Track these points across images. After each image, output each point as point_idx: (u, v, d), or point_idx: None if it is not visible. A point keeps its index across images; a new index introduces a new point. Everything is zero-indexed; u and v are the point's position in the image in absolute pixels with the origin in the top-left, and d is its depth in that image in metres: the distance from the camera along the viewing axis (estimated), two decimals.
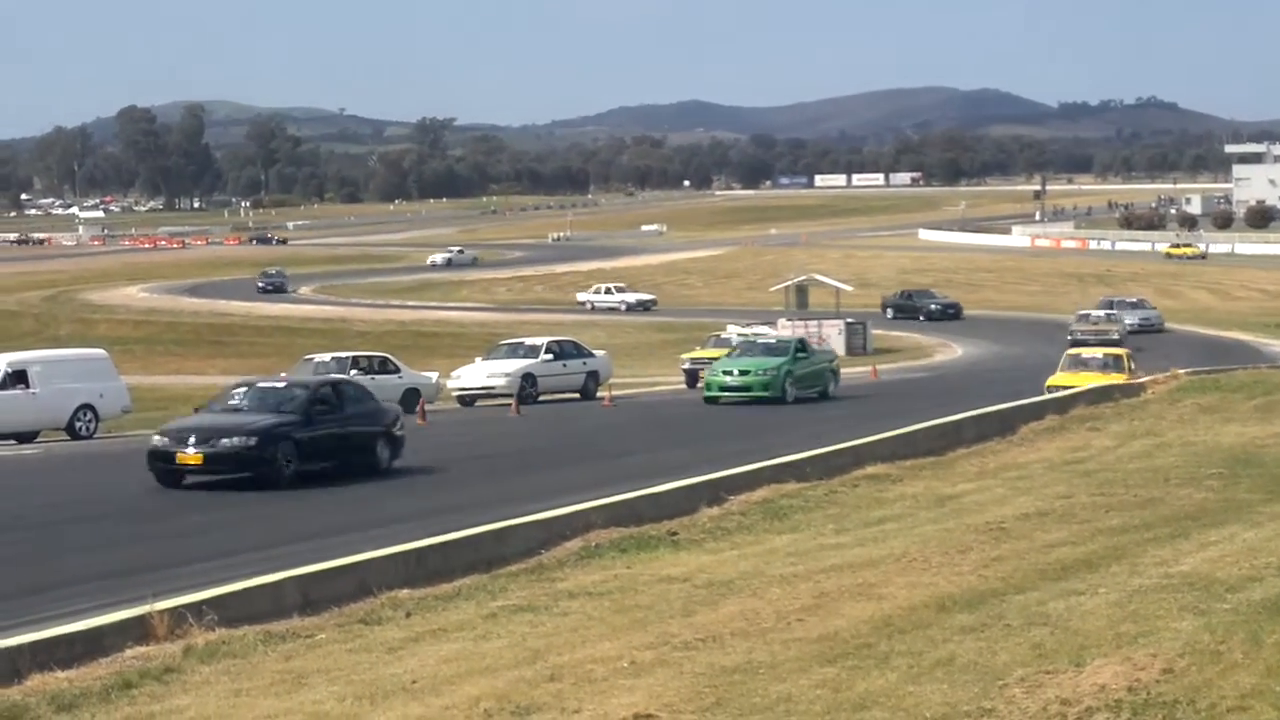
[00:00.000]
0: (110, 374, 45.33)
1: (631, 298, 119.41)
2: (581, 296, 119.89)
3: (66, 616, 16.68)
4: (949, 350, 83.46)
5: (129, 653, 15.50)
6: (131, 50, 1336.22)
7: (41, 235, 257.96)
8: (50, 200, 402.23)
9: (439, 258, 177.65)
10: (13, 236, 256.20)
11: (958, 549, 20.18)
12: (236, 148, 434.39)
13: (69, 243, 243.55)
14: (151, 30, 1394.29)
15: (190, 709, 13.61)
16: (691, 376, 60.54)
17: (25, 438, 42.81)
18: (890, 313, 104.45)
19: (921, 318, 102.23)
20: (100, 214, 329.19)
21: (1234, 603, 15.96)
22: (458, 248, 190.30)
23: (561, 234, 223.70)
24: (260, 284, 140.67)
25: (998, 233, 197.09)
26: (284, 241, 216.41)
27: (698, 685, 13.63)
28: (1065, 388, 43.11)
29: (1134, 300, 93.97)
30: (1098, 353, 50.65)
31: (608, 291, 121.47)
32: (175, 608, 16.33)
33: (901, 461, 30.36)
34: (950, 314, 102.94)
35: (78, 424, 43.16)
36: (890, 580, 18.20)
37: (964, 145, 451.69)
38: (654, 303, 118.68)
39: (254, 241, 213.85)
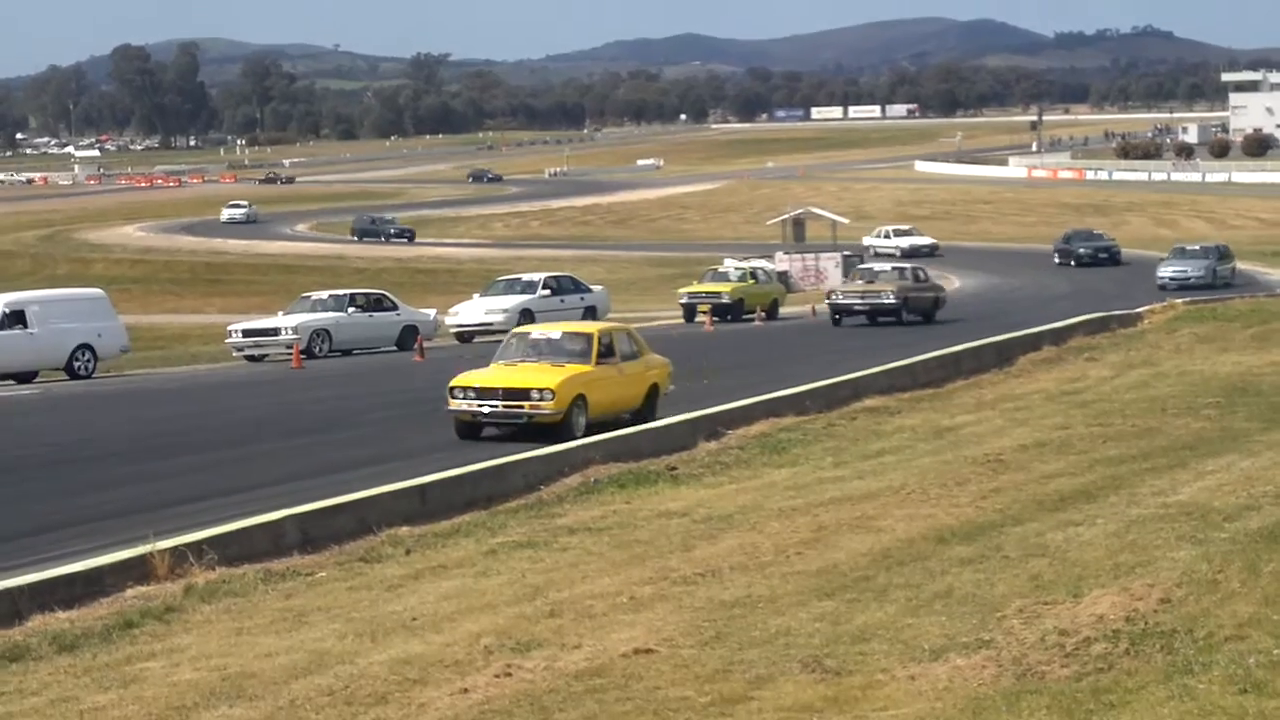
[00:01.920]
0: (108, 313, 45.22)
1: (906, 242, 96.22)
2: (867, 240, 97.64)
3: (67, 557, 16.73)
4: (947, 282, 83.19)
5: (130, 592, 15.56)
6: None
7: (30, 175, 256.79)
8: (46, 139, 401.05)
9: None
10: (23, 177, 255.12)
11: (956, 481, 20.24)
12: (231, 85, 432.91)
13: (65, 182, 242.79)
14: None
15: (192, 648, 13.66)
16: (689, 311, 60.52)
17: (24, 378, 42.74)
18: (1057, 258, 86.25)
19: (1071, 263, 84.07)
20: (96, 153, 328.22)
21: (1231, 532, 16.02)
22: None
23: (558, 169, 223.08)
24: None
25: (994, 164, 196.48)
26: (290, 180, 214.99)
27: (697, 619, 13.69)
28: None
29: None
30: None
31: (886, 236, 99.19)
32: (176, 547, 16.39)
33: (900, 394, 30.43)
34: (1105, 258, 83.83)
35: (76, 364, 43.08)
36: (888, 513, 18.26)
37: (960, 76, 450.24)
38: (935, 248, 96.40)
39: (259, 182, 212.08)
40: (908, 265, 59.48)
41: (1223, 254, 68.96)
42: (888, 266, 58.64)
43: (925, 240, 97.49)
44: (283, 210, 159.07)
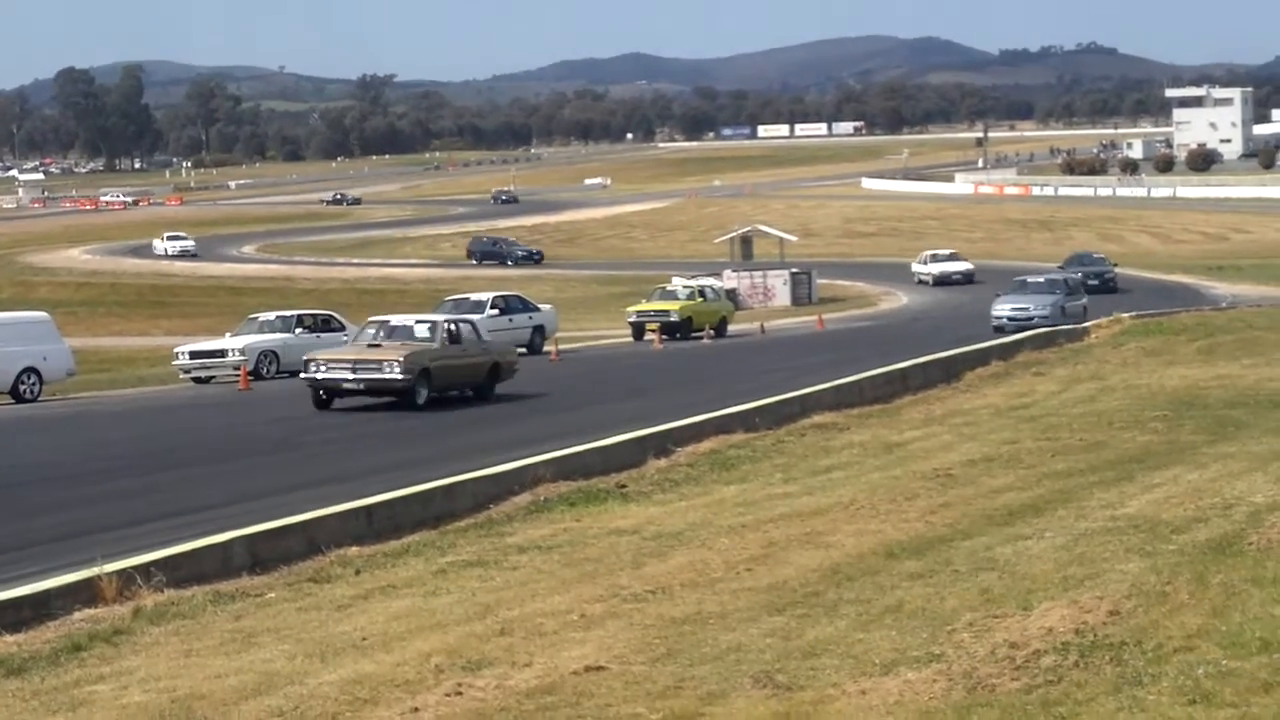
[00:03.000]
0: (53, 336, 45.00)
1: (937, 269, 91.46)
2: (930, 269, 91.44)
3: (13, 581, 16.58)
4: (894, 299, 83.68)
5: (78, 615, 15.46)
6: (69, 12, 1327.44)
7: None
8: None
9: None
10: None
11: (905, 496, 20.28)
12: (176, 108, 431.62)
13: (9, 205, 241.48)
14: None
15: (140, 670, 13.58)
16: (638, 329, 60.61)
17: None
18: None
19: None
20: (40, 176, 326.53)
21: (1179, 544, 16.08)
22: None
23: (505, 189, 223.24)
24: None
25: (941, 180, 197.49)
26: (357, 201, 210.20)
27: (648, 636, 13.67)
28: None
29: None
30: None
31: (925, 261, 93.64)
32: (124, 569, 16.29)
33: (848, 410, 30.50)
34: (1095, 285, 73.23)
35: (21, 387, 42.84)
36: (838, 528, 18.28)
37: (906, 94, 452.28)
38: (971, 274, 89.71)
39: (327, 203, 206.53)
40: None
41: (1071, 288, 57.54)
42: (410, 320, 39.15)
43: (962, 265, 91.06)
44: (228, 233, 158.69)
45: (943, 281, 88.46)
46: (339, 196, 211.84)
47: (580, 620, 14.43)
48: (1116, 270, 78.57)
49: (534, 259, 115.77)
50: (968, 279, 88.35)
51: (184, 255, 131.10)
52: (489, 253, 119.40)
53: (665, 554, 17.51)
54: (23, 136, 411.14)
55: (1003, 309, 54.72)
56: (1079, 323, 48.79)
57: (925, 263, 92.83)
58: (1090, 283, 70.13)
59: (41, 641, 14.59)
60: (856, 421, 29.32)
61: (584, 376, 44.41)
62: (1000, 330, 50.79)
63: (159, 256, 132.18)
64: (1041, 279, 59.63)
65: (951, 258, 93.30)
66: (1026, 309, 53.97)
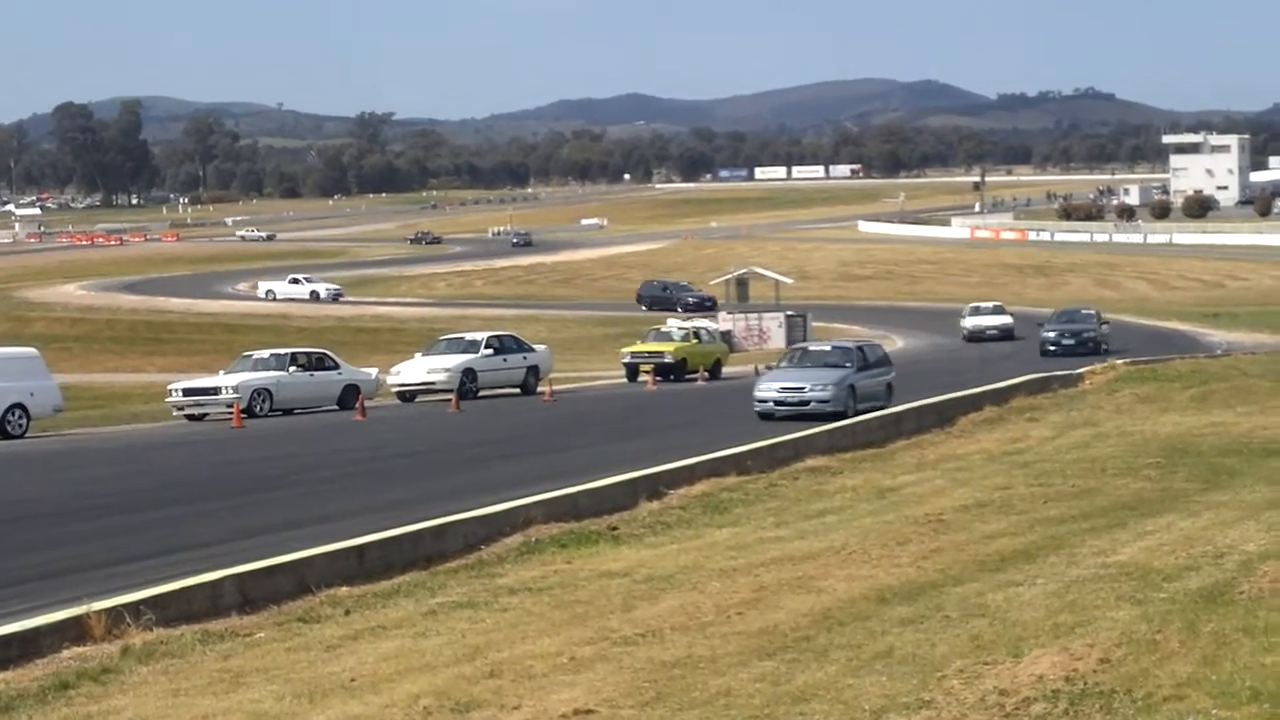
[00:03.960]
0: (41, 373, 44.96)
1: (988, 322, 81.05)
2: (965, 323, 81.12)
3: (2, 618, 16.53)
4: (889, 342, 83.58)
5: (66, 653, 15.42)
6: (67, 47, 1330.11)
7: None
8: None
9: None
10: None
11: (897, 541, 20.25)
12: (174, 144, 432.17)
13: (5, 240, 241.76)
14: (87, 27, 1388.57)
15: (128, 709, 13.55)
16: (632, 370, 60.53)
17: None
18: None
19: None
20: (37, 211, 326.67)
21: (1170, 592, 16.05)
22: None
23: (502, 228, 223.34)
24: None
25: (937, 224, 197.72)
26: (438, 240, 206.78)
27: (637, 680, 13.63)
28: None
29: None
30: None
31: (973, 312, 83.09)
32: (113, 608, 16.25)
33: (841, 454, 30.48)
34: (1071, 344, 66.05)
35: (8, 424, 42.81)
36: (830, 573, 18.25)
37: (903, 137, 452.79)
38: (1011, 330, 79.90)
39: (409, 241, 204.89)
40: None
41: (870, 361, 42.08)
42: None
43: (999, 320, 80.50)
44: (224, 269, 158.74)
45: (976, 338, 77.92)
46: (421, 236, 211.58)
47: (570, 663, 14.39)
48: (1106, 330, 67.75)
49: (706, 306, 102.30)
50: (1006, 335, 78.29)
51: (335, 299, 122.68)
52: (658, 298, 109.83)
53: (656, 597, 17.47)
54: (20, 171, 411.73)
55: (769, 389, 40.17)
56: (882, 406, 38.56)
57: (965, 315, 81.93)
58: (1064, 342, 64.72)
59: (29, 679, 14.54)
60: (850, 465, 29.31)
61: (578, 417, 44.37)
62: (768, 418, 38.98)
63: (281, 299, 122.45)
64: (828, 347, 44.39)
65: (995, 311, 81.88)
66: (800, 389, 39.60)
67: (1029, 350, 66.45)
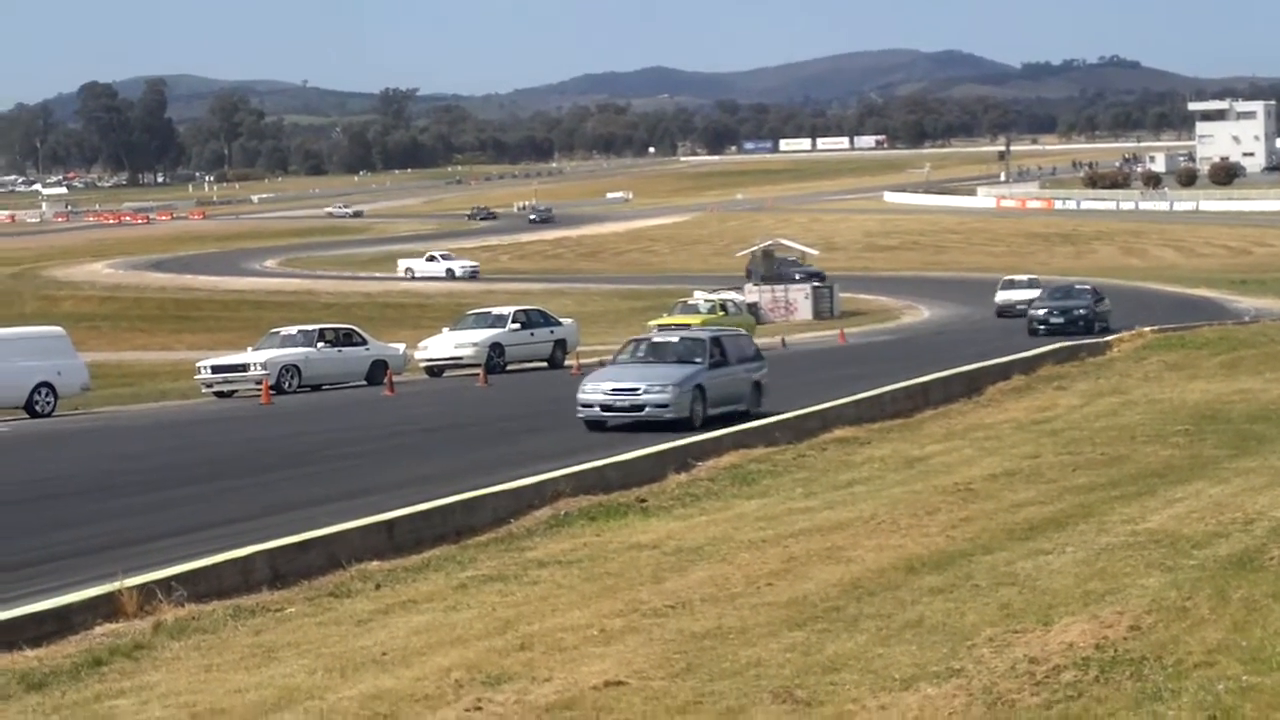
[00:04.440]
0: (68, 351, 45.07)
1: (1018, 296, 72.77)
2: (998, 297, 74.24)
3: (35, 595, 16.63)
4: (915, 313, 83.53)
5: (99, 630, 15.49)
6: (92, 26, 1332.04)
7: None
8: (13, 177, 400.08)
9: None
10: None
11: (926, 510, 20.25)
12: (199, 122, 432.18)
13: (33, 219, 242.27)
14: (111, 6, 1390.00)
15: (161, 685, 13.61)
16: None
17: None
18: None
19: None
20: (64, 190, 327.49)
21: (1200, 559, 16.05)
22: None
23: (527, 203, 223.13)
24: None
25: (963, 194, 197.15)
26: (494, 215, 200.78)
27: (668, 651, 13.67)
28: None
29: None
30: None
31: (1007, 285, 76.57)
32: (144, 584, 16.33)
33: (869, 424, 30.47)
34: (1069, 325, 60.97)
35: (36, 402, 42.93)
36: (859, 543, 18.26)
37: (928, 107, 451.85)
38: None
39: (531, 220, 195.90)
40: None
41: (729, 353, 34.69)
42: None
43: (1029, 294, 71.23)
44: (251, 246, 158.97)
45: (1006, 314, 71.66)
46: (478, 211, 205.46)
47: (600, 635, 14.43)
48: (1106, 307, 62.73)
49: (818, 278, 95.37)
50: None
51: (471, 276, 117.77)
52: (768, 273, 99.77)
53: (685, 569, 17.50)
54: (46, 150, 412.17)
55: (595, 391, 33.18)
56: (746, 410, 33.47)
57: (999, 289, 76.14)
58: (1053, 320, 59.54)
59: (62, 656, 14.62)
60: (878, 436, 29.29)
61: None
62: (597, 427, 32.63)
63: (420, 278, 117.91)
64: (675, 338, 36.64)
65: (1029, 284, 74.83)
66: (635, 389, 32.71)
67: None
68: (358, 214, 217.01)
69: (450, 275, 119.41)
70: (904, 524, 19.36)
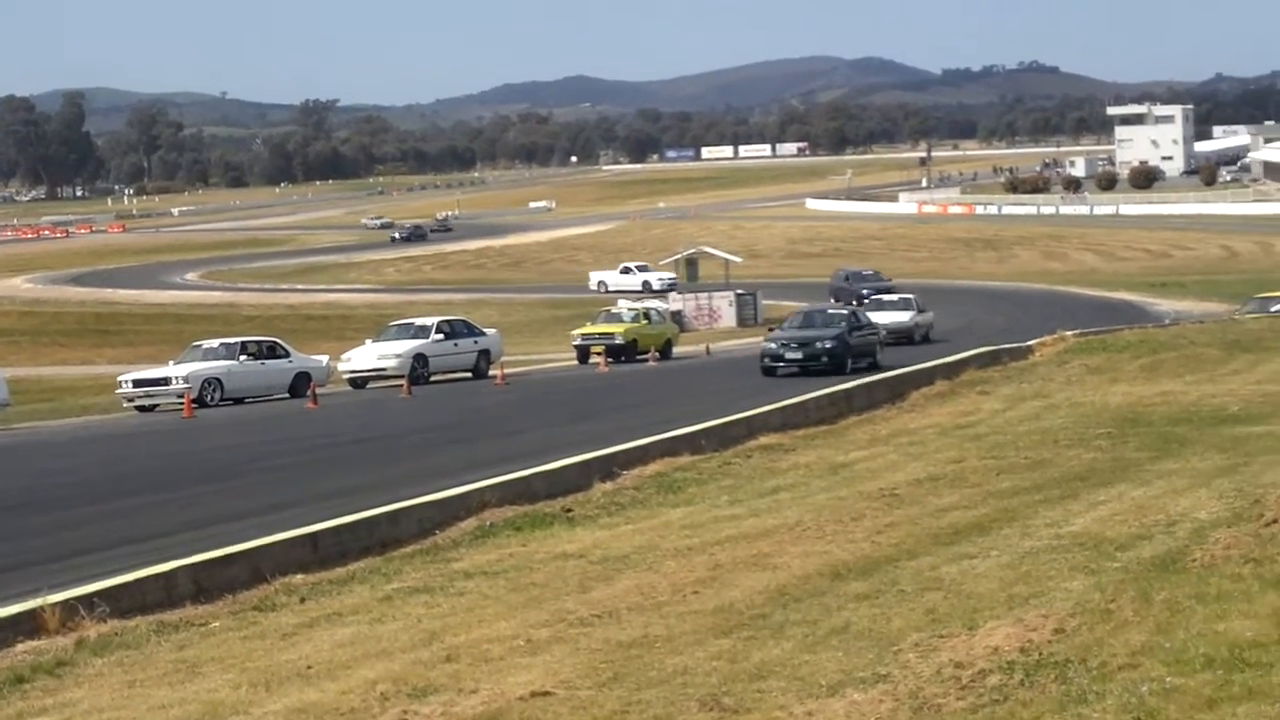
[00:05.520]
0: None
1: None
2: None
3: None
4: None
5: (20, 647, 15.35)
6: (8, 38, 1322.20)
7: None
8: None
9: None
10: None
11: (851, 516, 20.27)
12: (117, 135, 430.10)
13: None
14: (27, 18, 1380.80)
15: (84, 701, 13.49)
16: (583, 352, 60.55)
17: None
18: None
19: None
20: None
21: (1124, 561, 16.11)
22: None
23: (449, 213, 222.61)
24: None
25: (885, 200, 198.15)
26: (449, 229, 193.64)
27: (594, 661, 13.63)
28: None
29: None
30: None
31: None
32: (66, 600, 16.18)
33: (794, 431, 30.51)
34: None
35: None
36: (785, 550, 18.27)
37: (849, 114, 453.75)
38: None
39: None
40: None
41: None
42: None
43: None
44: (171, 259, 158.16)
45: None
46: (440, 223, 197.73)
47: (527, 645, 14.38)
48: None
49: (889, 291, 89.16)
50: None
51: (669, 289, 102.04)
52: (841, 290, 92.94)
53: (612, 578, 17.47)
54: None
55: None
56: None
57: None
58: (790, 356, 46.23)
59: None
60: (803, 443, 29.33)
61: (530, 400, 44.35)
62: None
63: (612, 291, 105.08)
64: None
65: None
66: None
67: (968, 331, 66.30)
68: (389, 225, 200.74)
69: (647, 288, 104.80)
70: (829, 530, 19.38)
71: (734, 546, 18.74)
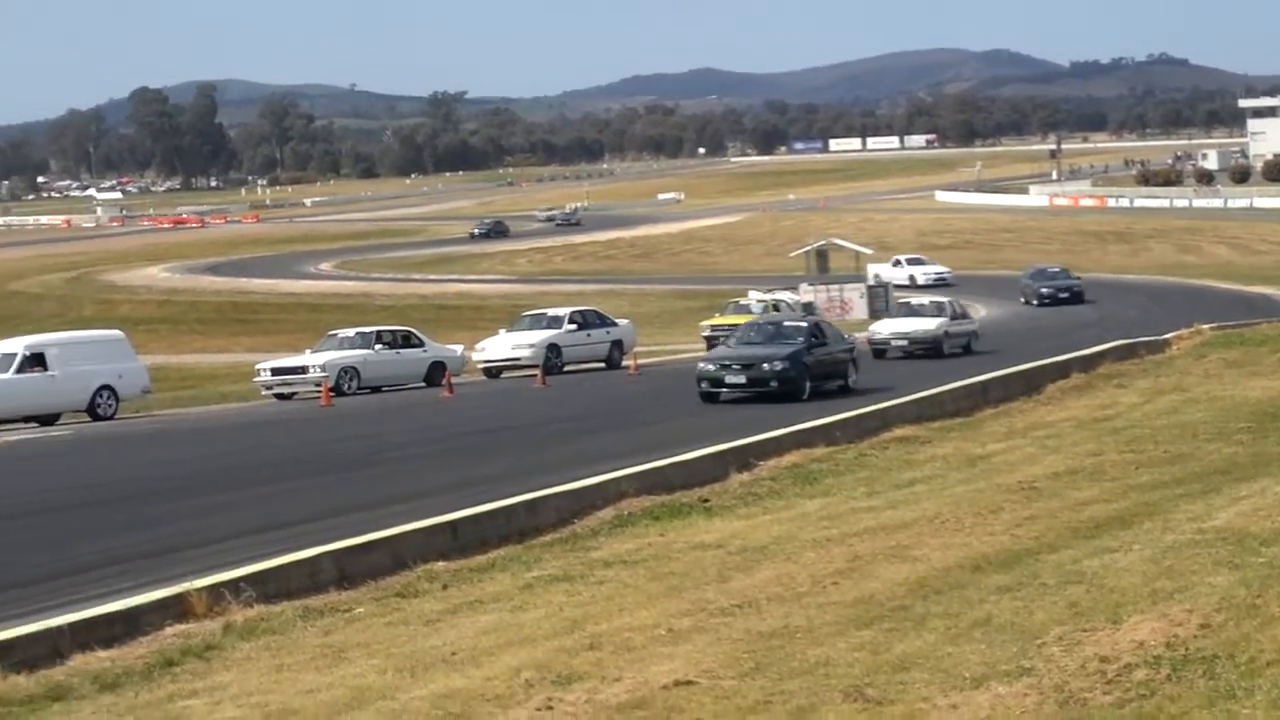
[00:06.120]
0: (128, 354, 45.48)
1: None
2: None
3: (105, 597, 16.72)
4: (973, 311, 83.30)
5: (169, 631, 15.57)
6: (142, 31, 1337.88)
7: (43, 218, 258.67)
8: (67, 182, 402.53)
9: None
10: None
11: (990, 509, 20.22)
12: (250, 126, 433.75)
13: (88, 224, 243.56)
14: (162, 11, 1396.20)
15: (233, 685, 13.68)
16: (711, 343, 60.48)
17: (46, 420, 42.96)
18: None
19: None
20: (118, 195, 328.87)
21: (1269, 556, 15.99)
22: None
23: (579, 204, 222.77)
24: None
25: (1015, 193, 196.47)
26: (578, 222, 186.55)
27: (736, 651, 13.68)
28: None
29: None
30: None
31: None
32: (213, 585, 16.41)
33: (929, 423, 30.43)
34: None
35: (98, 405, 43.25)
36: (924, 542, 18.25)
37: (977, 106, 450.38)
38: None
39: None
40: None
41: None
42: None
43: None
44: (304, 249, 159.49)
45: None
46: (564, 215, 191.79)
47: (668, 635, 14.45)
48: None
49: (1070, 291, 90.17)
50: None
51: (939, 283, 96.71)
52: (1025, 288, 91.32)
53: (751, 568, 17.51)
54: (99, 156, 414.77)
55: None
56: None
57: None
58: (730, 379, 38.04)
59: (134, 657, 14.70)
60: (938, 434, 29.25)
61: (663, 390, 44.35)
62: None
63: (905, 285, 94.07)
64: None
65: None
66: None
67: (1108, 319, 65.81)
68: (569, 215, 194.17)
69: (912, 282, 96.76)
70: (968, 523, 19.33)
71: (872, 538, 18.74)
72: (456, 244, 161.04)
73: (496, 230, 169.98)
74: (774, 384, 37.74)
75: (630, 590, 16.74)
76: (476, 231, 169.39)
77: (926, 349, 50.83)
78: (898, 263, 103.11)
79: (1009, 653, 13.08)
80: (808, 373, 38.34)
